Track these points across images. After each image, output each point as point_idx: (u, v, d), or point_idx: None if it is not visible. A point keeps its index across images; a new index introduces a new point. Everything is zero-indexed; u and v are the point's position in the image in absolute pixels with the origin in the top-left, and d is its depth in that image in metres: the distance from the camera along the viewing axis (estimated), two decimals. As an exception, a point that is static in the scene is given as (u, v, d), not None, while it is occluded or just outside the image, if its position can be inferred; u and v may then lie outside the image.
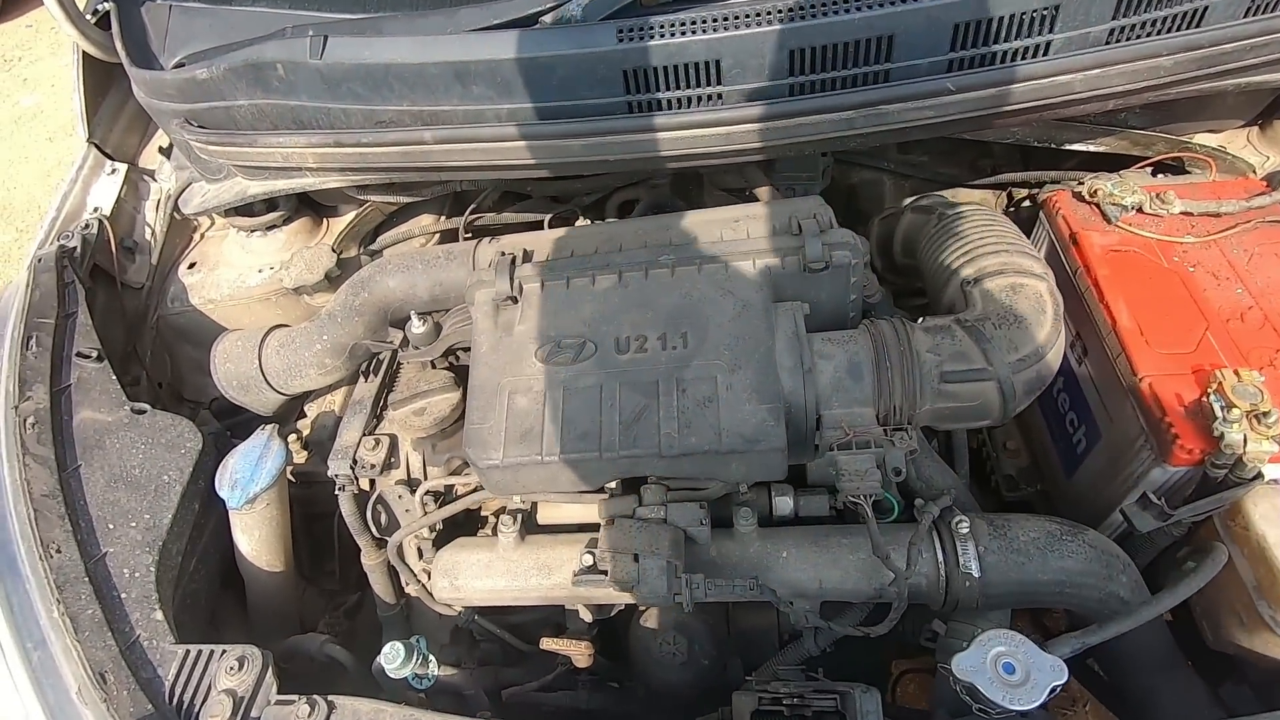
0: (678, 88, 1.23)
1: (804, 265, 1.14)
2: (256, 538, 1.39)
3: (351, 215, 1.78)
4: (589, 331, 1.15)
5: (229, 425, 1.75)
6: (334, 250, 1.59)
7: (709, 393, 1.06)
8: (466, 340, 1.40)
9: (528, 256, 1.28)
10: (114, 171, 1.80)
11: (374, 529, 1.40)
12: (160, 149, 1.86)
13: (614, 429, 1.06)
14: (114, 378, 1.42)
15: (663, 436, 1.04)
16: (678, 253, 1.19)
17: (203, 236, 1.91)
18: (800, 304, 1.14)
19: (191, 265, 1.81)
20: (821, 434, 1.07)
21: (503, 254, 1.26)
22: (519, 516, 1.22)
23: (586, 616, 1.30)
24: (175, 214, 1.82)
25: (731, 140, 1.25)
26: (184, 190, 1.79)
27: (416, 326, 1.42)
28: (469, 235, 1.74)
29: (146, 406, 1.40)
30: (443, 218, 1.82)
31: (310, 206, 1.82)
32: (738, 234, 1.23)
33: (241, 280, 1.73)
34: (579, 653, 1.26)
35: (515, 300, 1.20)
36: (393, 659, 1.09)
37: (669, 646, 1.27)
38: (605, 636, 1.39)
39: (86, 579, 1.18)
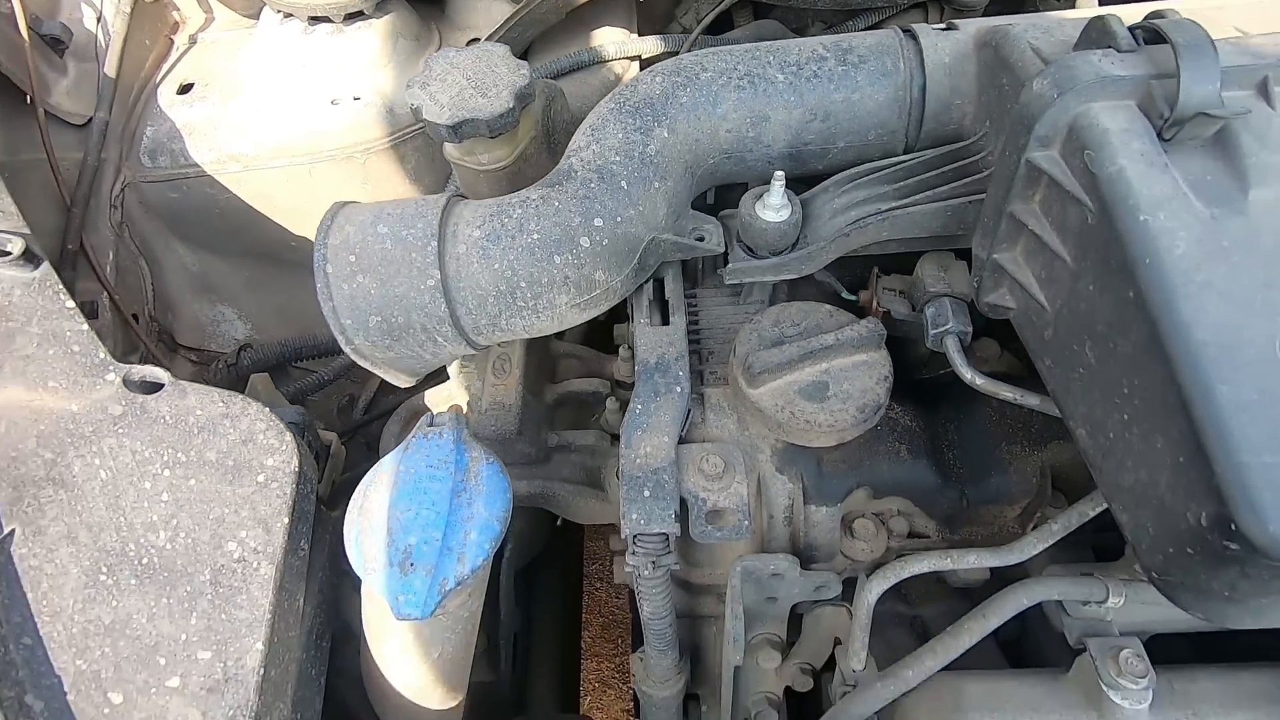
0: None
1: None
2: (437, 656, 0.64)
3: (502, 8, 0.97)
4: None
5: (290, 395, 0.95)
6: (521, 59, 0.78)
7: None
8: (876, 242, 0.68)
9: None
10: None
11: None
12: None
13: None
14: (68, 301, 0.61)
15: None
16: None
17: (192, 40, 1.03)
18: None
19: (185, 88, 0.95)
20: None
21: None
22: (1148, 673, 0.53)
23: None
24: (144, -16, 0.95)
25: None
26: (160, -63, 0.91)
27: (775, 211, 0.67)
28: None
29: (164, 374, 0.60)
30: (631, 34, 1.03)
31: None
32: None
33: (300, 117, 0.90)
34: None
35: (1202, 136, 0.48)
36: None
37: None
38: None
39: None
